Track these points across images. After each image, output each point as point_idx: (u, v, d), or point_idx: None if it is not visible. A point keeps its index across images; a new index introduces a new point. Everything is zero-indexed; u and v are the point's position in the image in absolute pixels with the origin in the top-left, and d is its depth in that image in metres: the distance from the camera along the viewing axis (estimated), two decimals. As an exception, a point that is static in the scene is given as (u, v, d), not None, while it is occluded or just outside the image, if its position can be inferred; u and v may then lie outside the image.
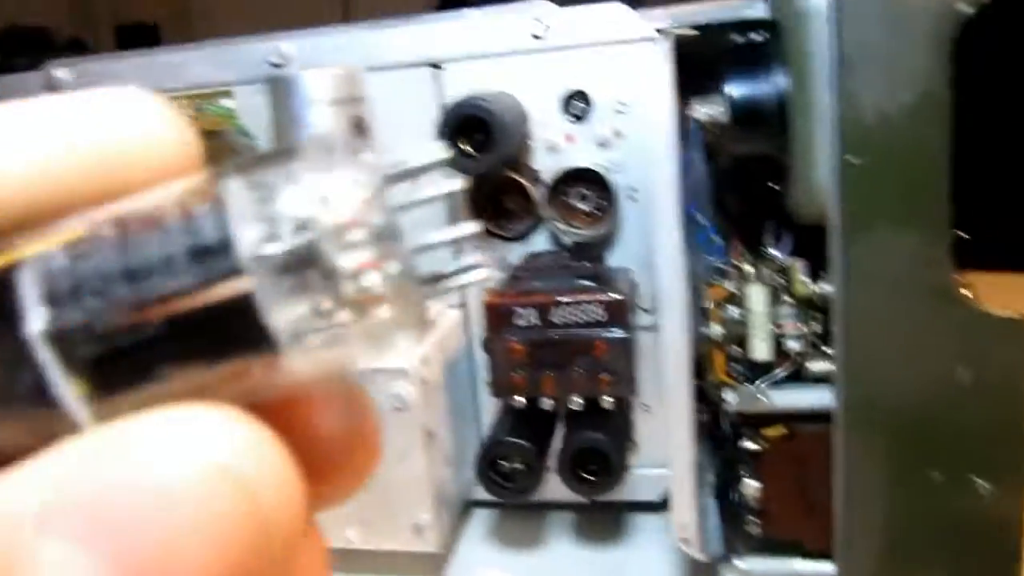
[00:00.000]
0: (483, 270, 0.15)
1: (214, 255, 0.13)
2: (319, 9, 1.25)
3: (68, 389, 0.12)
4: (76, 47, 1.27)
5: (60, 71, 0.55)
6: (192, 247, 0.13)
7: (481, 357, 0.55)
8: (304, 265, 0.13)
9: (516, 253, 0.52)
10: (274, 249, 0.13)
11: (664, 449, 0.54)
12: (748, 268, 0.42)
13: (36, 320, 0.12)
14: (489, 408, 0.55)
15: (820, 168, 0.36)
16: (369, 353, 0.14)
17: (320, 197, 0.13)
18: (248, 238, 0.13)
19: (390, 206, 0.13)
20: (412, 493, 0.47)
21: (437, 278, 0.15)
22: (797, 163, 0.37)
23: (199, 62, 0.52)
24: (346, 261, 0.13)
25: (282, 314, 0.13)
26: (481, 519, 0.57)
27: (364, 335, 0.13)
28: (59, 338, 0.12)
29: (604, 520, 0.56)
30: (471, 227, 0.15)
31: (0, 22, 1.20)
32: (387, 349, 0.14)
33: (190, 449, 0.12)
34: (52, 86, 0.55)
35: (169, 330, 0.12)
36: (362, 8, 1.28)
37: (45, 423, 0.12)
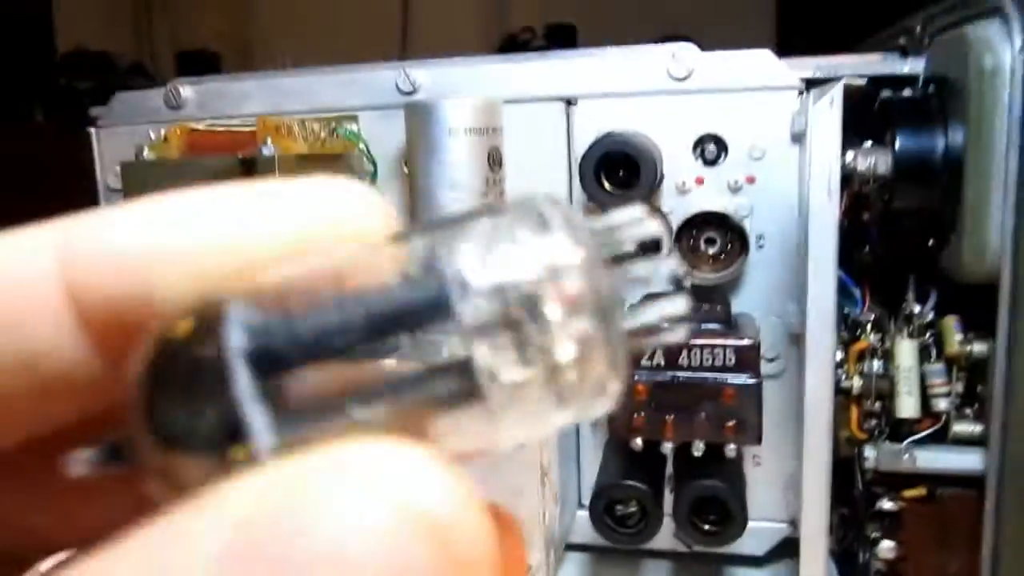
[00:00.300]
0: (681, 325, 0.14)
1: (433, 316, 0.12)
2: (377, 41, 1.27)
3: (258, 414, 0.11)
4: (137, 71, 1.30)
5: (185, 88, 0.56)
6: (409, 306, 0.12)
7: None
8: (524, 329, 0.12)
9: (636, 296, 0.51)
10: (494, 314, 0.12)
11: (771, 503, 0.53)
12: (894, 323, 0.41)
13: (237, 337, 0.11)
14: (590, 447, 0.54)
15: (992, 226, 0.35)
16: (576, 414, 0.13)
17: (544, 262, 0.12)
18: (471, 302, 0.12)
19: (612, 274, 0.13)
20: (524, 533, 0.46)
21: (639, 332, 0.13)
22: (966, 220, 0.36)
23: (327, 86, 0.53)
24: (568, 328, 0.12)
25: (498, 374, 0.12)
26: (575, 563, 0.56)
27: (575, 398, 0.13)
28: (258, 358, 0.11)
29: (704, 571, 0.55)
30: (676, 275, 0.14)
31: (65, 46, 1.23)
32: (591, 409, 0.13)
33: (383, 490, 0.10)
34: (175, 104, 0.56)
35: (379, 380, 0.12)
36: (418, 43, 1.29)
37: (228, 454, 0.11)
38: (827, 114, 0.36)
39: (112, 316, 0.11)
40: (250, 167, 0.44)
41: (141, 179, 0.45)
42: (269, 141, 0.45)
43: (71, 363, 0.11)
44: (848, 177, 0.41)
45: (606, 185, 0.45)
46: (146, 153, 0.47)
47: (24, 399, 0.11)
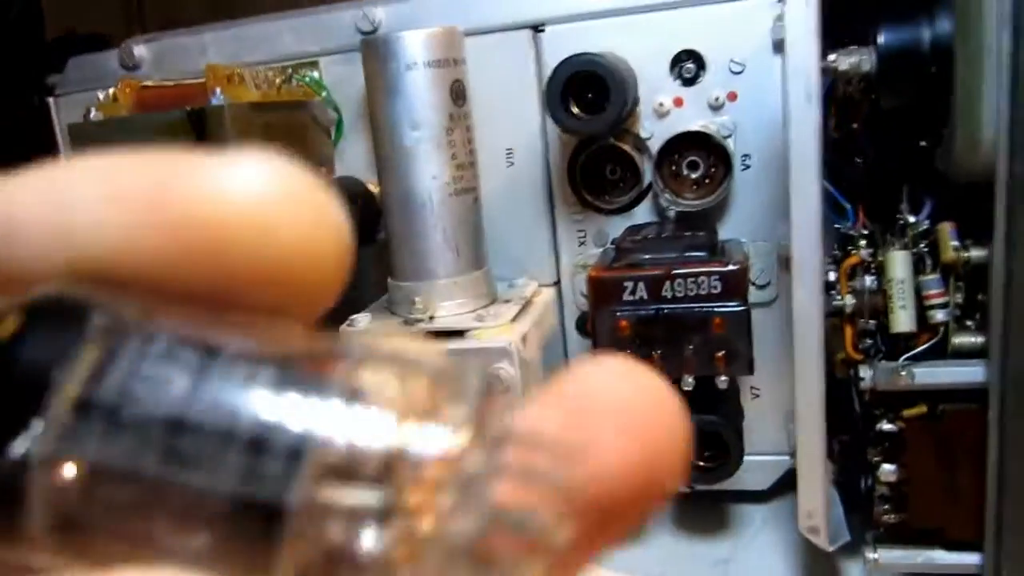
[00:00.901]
0: None
1: (275, 464, 0.10)
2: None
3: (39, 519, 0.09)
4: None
5: (139, 47, 0.53)
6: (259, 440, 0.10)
7: (574, 338, 0.52)
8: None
9: (616, 227, 0.49)
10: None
11: (772, 436, 0.51)
12: (887, 234, 0.39)
13: (27, 441, 0.09)
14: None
15: (986, 116, 0.33)
16: None
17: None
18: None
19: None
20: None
21: None
22: (958, 111, 0.34)
23: (284, 32, 0.50)
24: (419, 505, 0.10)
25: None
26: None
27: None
28: (48, 466, 0.09)
29: (705, 510, 0.53)
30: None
31: (57, 29, 1.21)
32: None
33: None
34: (129, 64, 0.54)
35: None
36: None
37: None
38: (803, 11, 0.34)
39: None
40: (199, 120, 0.42)
41: (89, 141, 0.44)
42: (219, 91, 0.43)
43: None
44: (833, 84, 0.39)
45: (574, 110, 0.42)
46: (93, 114, 0.45)
47: None
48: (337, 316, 0.48)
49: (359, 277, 0.50)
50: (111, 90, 0.46)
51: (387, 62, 0.42)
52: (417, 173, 0.43)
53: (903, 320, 0.38)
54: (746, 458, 0.49)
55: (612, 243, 0.47)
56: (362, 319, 0.46)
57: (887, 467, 0.40)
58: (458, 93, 0.44)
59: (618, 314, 0.43)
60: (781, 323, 0.49)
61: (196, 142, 0.41)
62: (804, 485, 0.40)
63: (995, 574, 0.38)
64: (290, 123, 0.49)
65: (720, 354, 0.42)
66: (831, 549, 0.41)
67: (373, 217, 0.49)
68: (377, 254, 0.51)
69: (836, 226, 0.42)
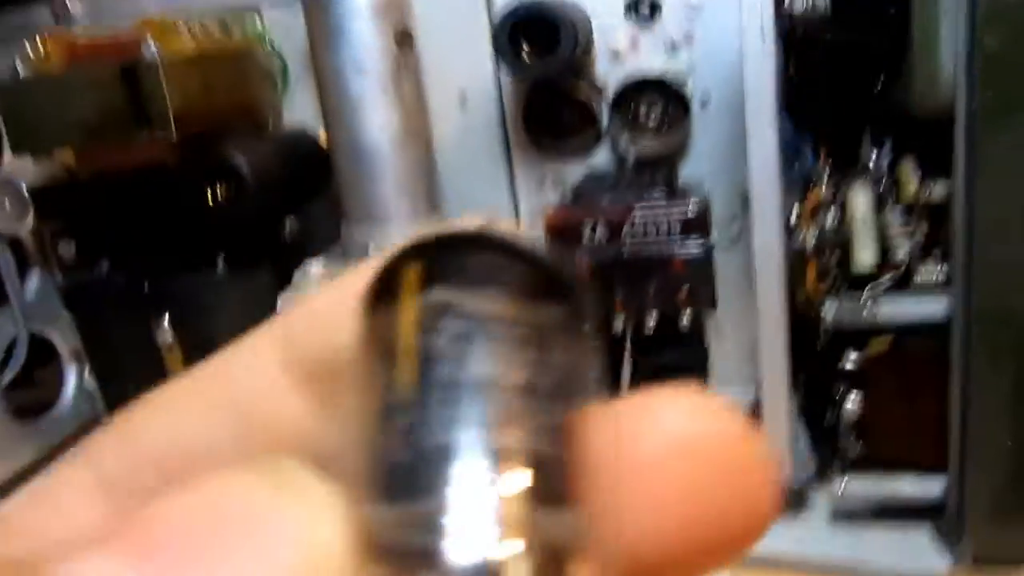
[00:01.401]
0: None
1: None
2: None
3: None
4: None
5: (72, 1, 0.50)
6: None
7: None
8: None
9: (576, 172, 0.48)
10: None
11: (737, 374, 0.51)
12: (848, 173, 0.38)
13: None
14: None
15: (945, 52, 0.32)
16: None
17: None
18: None
19: None
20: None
21: None
22: (916, 48, 0.33)
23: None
24: None
25: None
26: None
27: None
28: None
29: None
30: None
31: None
32: None
33: None
34: (63, 17, 0.51)
35: None
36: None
37: None
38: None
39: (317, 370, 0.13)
40: (132, 75, 0.39)
41: (19, 98, 0.41)
42: (152, 44, 0.40)
43: (297, 421, 0.13)
44: (791, 25, 0.38)
45: (525, 53, 0.41)
46: (22, 69, 0.42)
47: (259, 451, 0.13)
48: (289, 268, 0.47)
49: (311, 225, 0.48)
50: (41, 44, 0.43)
51: (329, 8, 0.40)
52: (365, 120, 0.41)
53: (865, 257, 0.37)
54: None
55: (572, 188, 0.46)
56: (316, 265, 0.45)
57: (851, 401, 0.40)
58: (403, 37, 0.42)
59: (577, 256, 0.42)
60: (743, 262, 0.48)
61: (130, 99, 0.39)
62: (769, 423, 0.40)
63: (959, 501, 0.38)
64: (231, 75, 0.47)
65: (683, 295, 0.42)
66: (796, 486, 0.42)
67: (325, 166, 0.47)
68: (330, 202, 0.50)
69: (797, 165, 0.41)
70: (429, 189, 0.45)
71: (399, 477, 0.09)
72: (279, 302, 0.44)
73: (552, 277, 0.11)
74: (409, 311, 0.10)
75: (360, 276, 0.12)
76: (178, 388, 0.14)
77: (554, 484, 0.10)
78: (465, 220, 0.11)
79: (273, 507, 0.09)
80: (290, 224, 0.49)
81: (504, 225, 0.11)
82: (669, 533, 0.11)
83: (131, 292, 0.50)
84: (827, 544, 0.43)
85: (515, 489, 0.09)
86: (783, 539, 0.44)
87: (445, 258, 0.11)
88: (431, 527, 0.09)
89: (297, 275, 0.45)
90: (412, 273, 0.11)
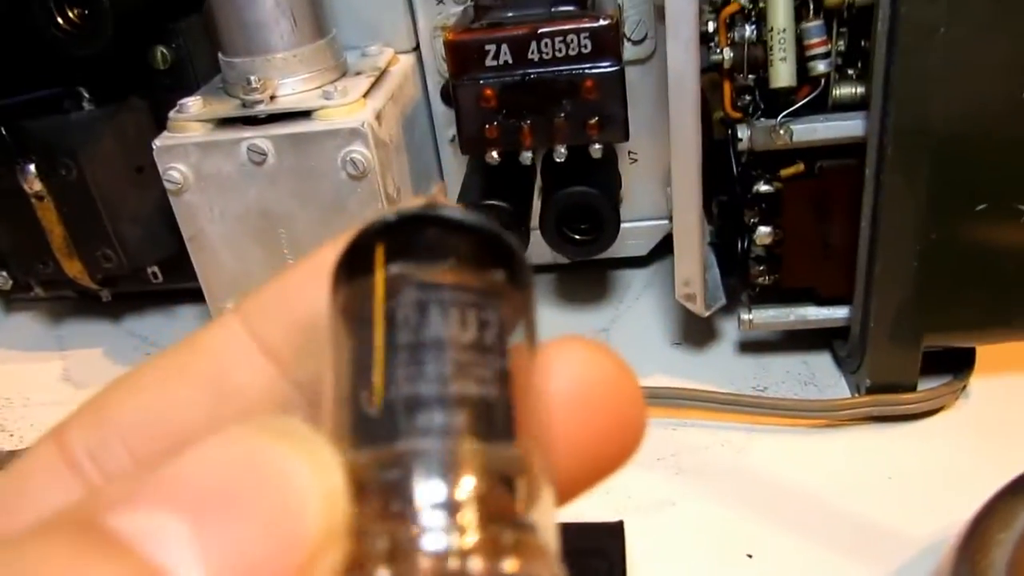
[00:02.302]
0: None
1: None
2: None
3: None
4: None
5: None
6: None
7: (441, 109, 0.48)
8: None
9: (477, -19, 0.43)
10: None
11: (651, 201, 0.49)
12: (767, -24, 0.35)
13: None
14: (454, 169, 0.49)
15: None
16: None
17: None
18: None
19: None
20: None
21: None
22: None
23: None
24: None
25: None
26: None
27: None
28: None
29: (586, 279, 0.52)
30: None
31: None
32: None
33: None
34: None
35: None
36: None
37: None
38: None
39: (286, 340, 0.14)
40: None
41: None
42: None
43: (268, 391, 0.14)
44: None
45: None
46: None
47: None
48: (168, 102, 0.42)
49: (183, 53, 0.43)
50: None
51: None
52: (230, -75, 0.36)
53: (783, 73, 0.35)
54: (625, 224, 0.48)
55: (472, 0, 0.42)
56: (193, 102, 0.40)
57: (763, 229, 0.39)
58: None
59: (481, 82, 0.39)
60: (658, 81, 0.45)
61: None
62: (680, 253, 0.39)
63: (862, 326, 0.38)
64: None
65: (593, 120, 0.39)
66: (706, 315, 0.41)
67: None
68: (206, 25, 0.44)
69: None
70: (314, 8, 0.40)
71: (372, 426, 0.11)
72: (155, 144, 0.40)
73: (492, 246, 0.13)
74: (373, 285, 0.12)
75: (322, 256, 0.14)
76: (149, 367, 0.15)
77: (500, 422, 0.12)
78: (413, 201, 0.13)
79: (293, 459, 0.11)
80: (160, 53, 0.44)
81: (447, 204, 0.13)
82: (576, 455, 0.13)
83: (-14, 135, 0.45)
84: (734, 374, 0.43)
85: (468, 431, 0.11)
86: (692, 370, 0.44)
87: (402, 236, 0.12)
88: (401, 465, 0.11)
89: (172, 113, 0.40)
90: (375, 251, 0.12)
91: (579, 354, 0.13)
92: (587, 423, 0.13)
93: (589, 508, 0.36)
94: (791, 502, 0.36)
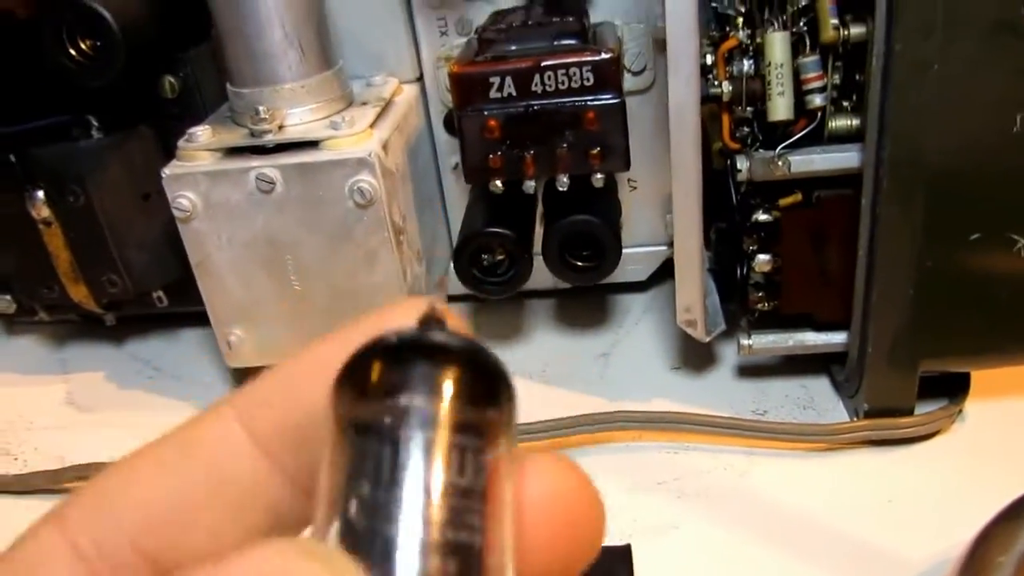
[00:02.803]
0: None
1: None
2: None
3: None
4: None
5: None
6: None
7: (444, 137, 0.49)
8: None
9: (480, 12, 0.44)
10: None
11: (650, 227, 0.50)
12: (765, 12, 0.36)
13: None
14: (456, 196, 0.50)
15: None
16: None
17: None
18: None
19: None
20: (385, 297, 0.42)
21: None
22: None
23: None
24: None
25: None
26: (459, 313, 0.53)
27: None
28: None
29: (587, 304, 0.53)
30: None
31: None
32: None
33: None
34: None
35: None
36: None
37: None
38: None
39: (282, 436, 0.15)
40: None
41: None
42: None
43: (261, 484, 0.15)
44: None
45: None
46: None
47: (229, 516, 0.15)
48: (175, 130, 0.43)
49: (191, 83, 0.44)
50: None
51: None
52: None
53: (781, 107, 0.36)
54: (625, 250, 0.48)
55: (476, 32, 0.43)
56: (202, 132, 0.41)
57: (762, 257, 0.39)
58: None
59: (485, 113, 0.39)
60: (658, 110, 0.46)
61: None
62: (682, 279, 0.40)
63: (860, 351, 0.39)
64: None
65: (595, 151, 0.40)
66: (707, 340, 0.42)
67: (203, 13, 0.42)
68: (214, 55, 0.45)
69: (713, 5, 0.39)
70: (321, 39, 0.41)
71: (357, 538, 0.12)
72: (164, 172, 0.40)
73: (487, 376, 0.14)
74: (368, 411, 0.13)
75: (315, 355, 0.15)
76: (148, 453, 0.15)
77: (475, 564, 0.13)
78: (412, 308, 0.15)
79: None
80: (168, 83, 0.45)
81: (444, 314, 0.14)
82: (542, 558, 0.14)
83: (-5, 163, 0.45)
84: (733, 398, 0.44)
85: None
86: (692, 394, 0.45)
87: (401, 366, 0.13)
88: None
89: (180, 142, 0.41)
90: (372, 377, 0.14)
91: (549, 468, 0.15)
92: (555, 530, 0.14)
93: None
94: (793, 525, 0.36)
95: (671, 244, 0.51)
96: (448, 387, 0.13)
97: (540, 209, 0.45)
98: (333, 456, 0.14)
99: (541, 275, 0.45)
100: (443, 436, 0.13)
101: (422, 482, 0.13)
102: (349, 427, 0.14)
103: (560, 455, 0.15)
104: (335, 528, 0.13)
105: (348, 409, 0.14)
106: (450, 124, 0.48)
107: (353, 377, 0.14)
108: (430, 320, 0.14)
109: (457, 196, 0.50)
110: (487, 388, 0.14)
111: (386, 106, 0.43)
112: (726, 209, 0.42)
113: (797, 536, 0.36)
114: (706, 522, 0.37)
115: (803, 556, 0.35)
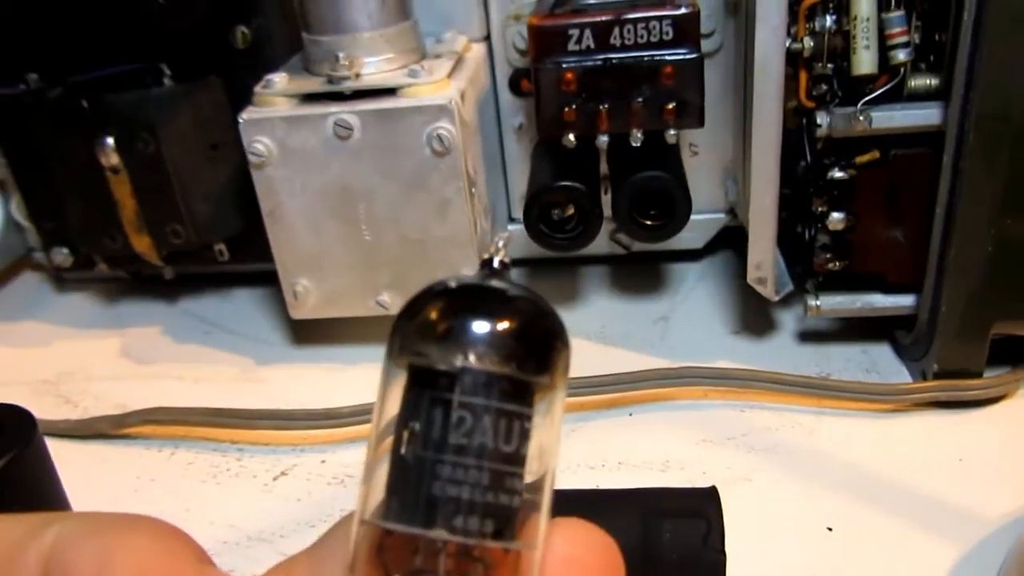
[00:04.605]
0: None
1: None
2: None
3: None
4: None
5: None
6: None
7: (507, 98, 0.49)
8: None
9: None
10: None
11: (709, 194, 0.50)
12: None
13: None
14: (517, 158, 0.50)
15: None
16: None
17: None
18: None
19: None
20: (454, 249, 0.42)
21: None
22: None
23: None
24: None
25: None
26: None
27: None
28: None
29: (642, 271, 0.53)
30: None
31: None
32: None
33: None
34: None
35: None
36: None
37: None
38: None
39: None
40: None
41: None
42: None
43: None
44: None
45: None
46: None
47: None
48: (243, 81, 0.43)
49: (263, 34, 0.44)
50: None
51: None
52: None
53: (866, 61, 0.36)
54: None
55: (551, -11, 0.43)
56: (279, 78, 0.41)
57: (836, 215, 0.39)
58: None
59: (564, 66, 0.40)
60: (725, 75, 0.47)
61: None
62: (755, 237, 0.40)
63: (931, 312, 0.39)
64: None
65: (670, 106, 0.40)
66: (776, 299, 0.42)
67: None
68: (283, 6, 0.45)
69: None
70: (396, -8, 0.41)
71: (409, 505, 0.14)
72: (240, 118, 0.41)
73: (542, 339, 0.14)
74: (424, 358, 0.14)
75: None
76: None
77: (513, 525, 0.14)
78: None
79: None
80: (241, 33, 0.45)
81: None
82: None
83: (67, 109, 0.45)
84: (795, 361, 0.44)
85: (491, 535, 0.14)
86: (753, 358, 0.45)
87: (460, 315, 0.14)
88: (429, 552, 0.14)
89: (257, 88, 0.41)
90: (430, 318, 0.14)
91: (575, 533, 0.15)
92: None
93: (666, 482, 0.36)
94: (865, 481, 0.36)
95: (729, 212, 0.51)
96: (506, 344, 0.14)
97: (603, 171, 0.46)
98: (391, 386, 0.14)
99: (596, 240, 0.45)
100: (495, 399, 0.14)
101: (473, 441, 0.13)
102: (406, 367, 0.14)
103: (587, 523, 0.16)
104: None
105: (406, 346, 0.14)
106: (515, 84, 0.48)
107: (413, 316, 0.14)
108: (492, 267, 0.15)
109: (518, 157, 0.50)
110: (545, 349, 0.14)
111: (459, 60, 0.44)
112: (791, 172, 0.42)
113: (871, 491, 0.36)
114: (778, 475, 0.37)
115: (878, 510, 0.35)
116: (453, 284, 0.14)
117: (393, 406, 0.14)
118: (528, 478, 0.14)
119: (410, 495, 0.14)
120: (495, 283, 0.14)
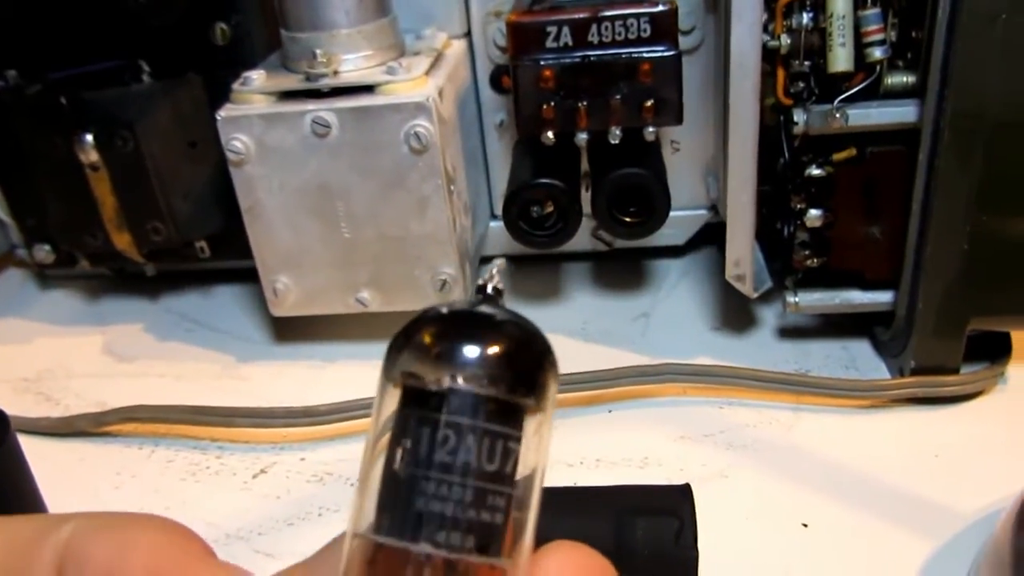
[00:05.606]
0: None
1: None
2: None
3: None
4: None
5: None
6: None
7: (488, 94, 0.49)
8: None
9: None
10: None
11: (691, 191, 0.50)
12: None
13: None
14: (498, 154, 0.50)
15: None
16: None
17: None
18: None
19: None
20: (433, 246, 0.42)
21: None
22: None
23: None
24: None
25: None
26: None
27: None
28: None
29: (623, 268, 0.53)
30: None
31: None
32: None
33: None
34: None
35: None
36: None
37: None
38: None
39: None
40: None
41: None
42: None
43: None
44: None
45: None
46: None
47: None
48: (221, 79, 0.43)
49: (242, 31, 0.44)
50: None
51: None
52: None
53: (841, 58, 0.36)
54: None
55: (530, -15, 0.43)
56: (257, 75, 0.41)
57: (813, 212, 0.40)
58: None
59: (542, 63, 0.40)
60: (704, 71, 0.47)
61: None
62: (733, 233, 0.40)
63: (908, 308, 0.39)
64: None
65: (648, 103, 0.40)
66: (754, 296, 0.42)
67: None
68: (263, 2, 0.45)
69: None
70: (375, -11, 0.41)
71: (398, 517, 0.14)
72: (218, 116, 0.40)
73: (530, 363, 0.15)
74: (416, 380, 0.15)
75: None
76: None
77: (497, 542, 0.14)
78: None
79: None
80: (220, 29, 0.45)
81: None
82: None
83: (46, 106, 0.45)
84: (775, 358, 0.44)
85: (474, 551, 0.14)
86: (733, 354, 0.45)
87: (451, 340, 0.15)
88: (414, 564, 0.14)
89: (235, 85, 0.41)
90: (424, 340, 0.15)
91: (569, 556, 0.16)
92: None
93: (644, 479, 0.37)
94: (842, 477, 0.36)
95: (711, 208, 0.51)
96: (493, 368, 0.14)
97: (583, 168, 0.46)
98: (384, 404, 0.15)
99: (578, 236, 0.45)
100: (480, 419, 0.14)
101: (458, 460, 0.14)
102: (399, 387, 0.15)
103: (585, 547, 0.16)
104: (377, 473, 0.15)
105: (399, 367, 0.15)
106: (496, 81, 0.48)
107: (407, 340, 0.15)
108: (485, 292, 0.16)
109: (499, 153, 0.50)
110: (530, 373, 0.15)
111: (438, 57, 0.44)
112: (771, 170, 0.42)
113: (847, 487, 0.36)
114: (755, 472, 0.37)
115: (855, 506, 0.35)
116: (445, 310, 0.15)
117: (386, 424, 0.15)
118: (514, 497, 0.15)
119: (399, 510, 0.14)
120: (485, 308, 0.15)
